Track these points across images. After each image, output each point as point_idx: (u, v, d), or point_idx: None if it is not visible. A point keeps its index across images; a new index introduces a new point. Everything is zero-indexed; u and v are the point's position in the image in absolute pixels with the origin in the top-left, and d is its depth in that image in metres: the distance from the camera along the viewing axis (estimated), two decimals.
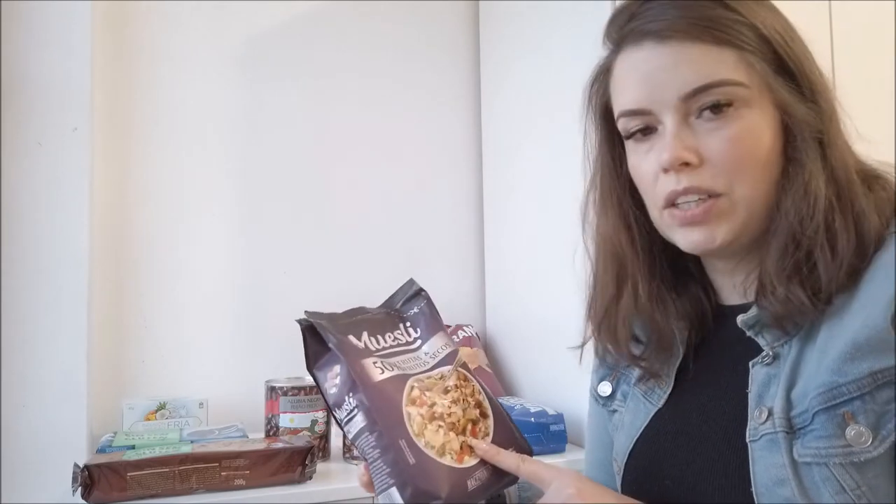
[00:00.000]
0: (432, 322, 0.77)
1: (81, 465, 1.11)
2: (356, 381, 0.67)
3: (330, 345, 0.70)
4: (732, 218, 0.65)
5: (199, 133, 1.68)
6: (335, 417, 0.70)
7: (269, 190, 1.73)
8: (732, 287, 0.73)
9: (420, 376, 0.71)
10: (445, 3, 1.92)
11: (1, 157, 1.38)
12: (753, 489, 0.62)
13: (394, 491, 0.63)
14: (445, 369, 0.73)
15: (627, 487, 0.76)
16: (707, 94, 0.64)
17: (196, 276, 1.66)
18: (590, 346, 0.82)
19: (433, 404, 0.68)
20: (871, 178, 0.66)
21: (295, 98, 1.77)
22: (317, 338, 0.72)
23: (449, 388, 0.71)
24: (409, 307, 0.79)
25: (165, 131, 1.66)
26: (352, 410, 0.67)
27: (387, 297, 0.82)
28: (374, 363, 0.70)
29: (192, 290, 1.65)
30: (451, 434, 0.67)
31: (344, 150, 1.80)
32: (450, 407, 0.69)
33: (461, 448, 0.67)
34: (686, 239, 0.67)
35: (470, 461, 0.67)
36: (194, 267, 1.66)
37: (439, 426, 0.67)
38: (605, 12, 1.34)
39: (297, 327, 0.72)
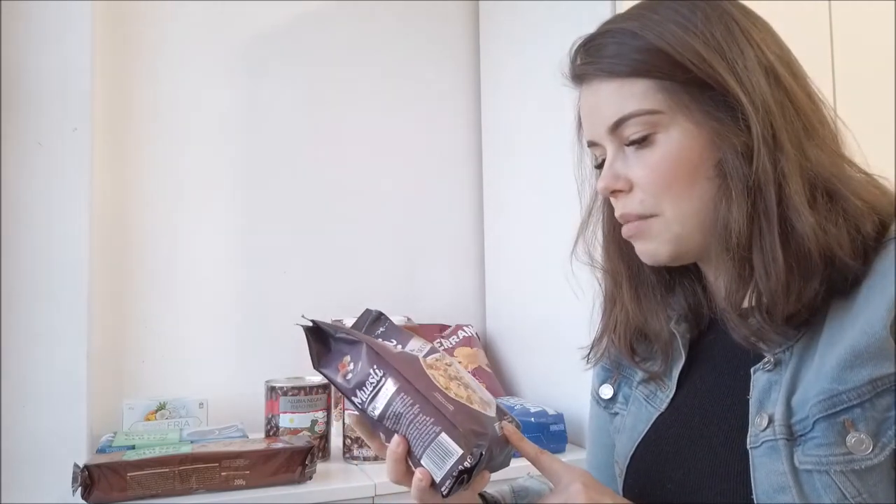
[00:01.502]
0: (402, 333, 0.80)
1: (81, 465, 1.11)
2: (379, 353, 0.70)
3: (339, 335, 0.73)
4: (666, 235, 0.68)
5: (200, 133, 1.69)
6: (355, 403, 0.71)
7: (269, 190, 1.73)
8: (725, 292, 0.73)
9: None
10: (445, 3, 1.92)
11: (1, 157, 1.38)
12: (754, 496, 0.62)
13: (443, 436, 0.65)
14: (436, 355, 0.76)
15: (629, 490, 0.76)
16: (624, 127, 0.68)
17: (196, 275, 1.66)
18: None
19: (446, 369, 0.72)
20: (833, 191, 0.63)
21: (295, 98, 1.77)
22: (317, 338, 0.74)
23: (449, 363, 0.75)
24: (373, 330, 0.81)
25: (165, 131, 1.66)
26: (379, 380, 0.69)
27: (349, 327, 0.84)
28: (384, 341, 0.74)
29: (192, 291, 1.65)
30: (470, 390, 0.71)
31: (344, 150, 1.80)
32: (458, 371, 0.73)
33: (481, 401, 0.71)
34: (636, 250, 0.72)
35: (490, 412, 0.71)
36: (194, 267, 1.66)
37: (458, 384, 0.71)
38: (605, 12, 1.35)
39: (298, 327, 0.74)
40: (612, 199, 0.72)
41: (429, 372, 0.70)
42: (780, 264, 0.62)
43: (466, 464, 0.64)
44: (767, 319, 0.63)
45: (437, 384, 0.69)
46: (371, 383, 0.69)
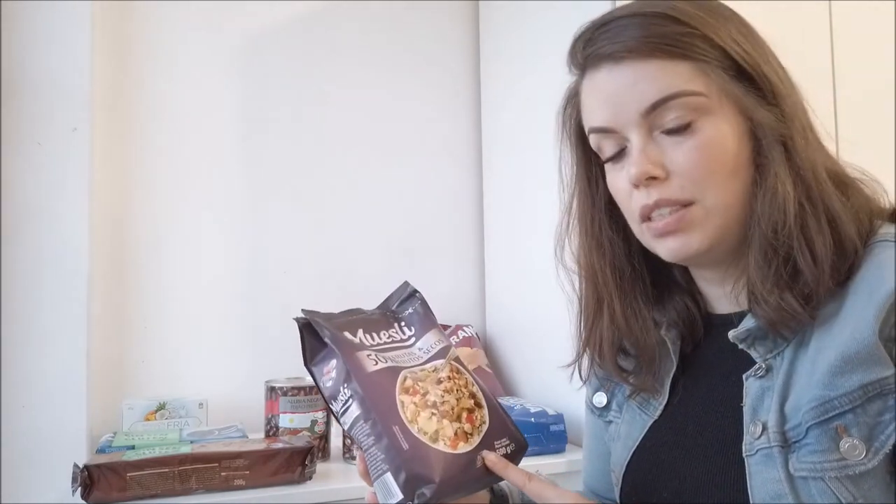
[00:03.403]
0: (426, 321, 0.79)
1: (81, 466, 1.11)
2: (350, 372, 0.69)
3: (325, 339, 0.71)
4: (706, 225, 0.66)
5: (199, 133, 1.68)
6: (332, 410, 0.71)
7: (269, 190, 1.73)
8: (723, 295, 0.72)
9: (413, 369, 0.72)
10: (445, 3, 1.92)
11: (1, 157, 1.38)
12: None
13: (388, 477, 0.64)
14: (438, 362, 0.74)
15: (626, 499, 0.76)
16: (666, 108, 0.64)
17: (196, 275, 1.66)
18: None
19: (426, 393, 0.69)
20: (843, 182, 0.66)
21: (294, 97, 1.77)
22: (314, 335, 0.73)
23: (442, 379, 0.72)
24: (403, 308, 0.81)
25: (165, 131, 1.66)
26: (347, 401, 0.68)
27: (382, 300, 0.83)
28: (368, 355, 0.71)
29: (192, 290, 1.65)
30: (445, 421, 0.68)
31: (344, 149, 1.80)
32: (443, 396, 0.70)
33: (455, 434, 0.68)
34: (664, 248, 0.68)
35: (464, 447, 0.68)
36: (194, 267, 1.66)
37: (432, 413, 0.68)
38: (604, 12, 1.34)
39: (297, 326, 0.74)
40: (638, 192, 0.67)
41: (400, 398, 0.68)
42: (829, 246, 0.62)
43: None
44: (802, 303, 0.62)
45: (403, 416, 0.67)
46: (341, 400, 0.69)
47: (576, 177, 0.78)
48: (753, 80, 0.65)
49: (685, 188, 0.65)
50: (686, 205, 0.65)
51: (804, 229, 0.63)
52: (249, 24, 1.74)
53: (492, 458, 0.68)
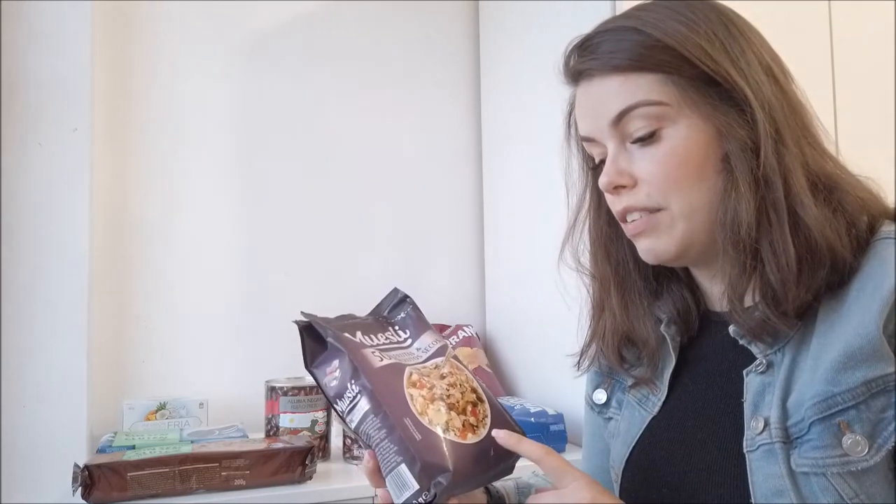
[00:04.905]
0: (419, 323, 0.80)
1: (81, 465, 1.11)
2: (358, 368, 0.69)
3: (329, 339, 0.72)
4: (673, 230, 0.68)
5: (199, 133, 1.69)
6: (336, 410, 0.71)
7: (269, 190, 1.73)
8: (719, 294, 0.73)
9: (416, 366, 0.73)
10: (445, 3, 1.92)
11: (1, 157, 1.38)
12: (753, 499, 0.62)
13: (403, 468, 0.65)
14: (439, 360, 0.75)
15: (625, 495, 0.76)
16: (629, 118, 0.67)
17: (196, 275, 1.66)
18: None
19: (432, 387, 0.70)
20: (833, 184, 0.65)
21: (295, 98, 1.77)
22: (314, 336, 0.74)
23: (445, 375, 0.73)
24: (395, 314, 0.82)
25: (165, 131, 1.66)
26: (355, 397, 0.69)
27: (373, 308, 0.84)
28: (373, 352, 0.72)
29: (192, 291, 1.65)
30: (453, 413, 0.69)
31: (344, 150, 1.80)
32: (448, 389, 0.71)
33: (463, 426, 0.69)
34: (640, 248, 0.72)
35: (473, 438, 0.69)
36: (194, 267, 1.66)
37: (441, 405, 0.69)
38: (605, 12, 1.35)
39: (298, 329, 0.74)
40: (611, 196, 0.71)
41: (409, 391, 0.69)
42: (791, 255, 0.62)
43: (421, 499, 0.64)
44: (775, 311, 0.63)
45: (413, 408, 0.67)
46: (348, 397, 0.69)
47: (579, 179, 0.80)
48: (722, 86, 0.66)
49: (651, 196, 0.67)
50: (654, 210, 0.68)
51: (766, 238, 0.63)
52: (249, 24, 1.74)
53: (503, 435, 0.68)
